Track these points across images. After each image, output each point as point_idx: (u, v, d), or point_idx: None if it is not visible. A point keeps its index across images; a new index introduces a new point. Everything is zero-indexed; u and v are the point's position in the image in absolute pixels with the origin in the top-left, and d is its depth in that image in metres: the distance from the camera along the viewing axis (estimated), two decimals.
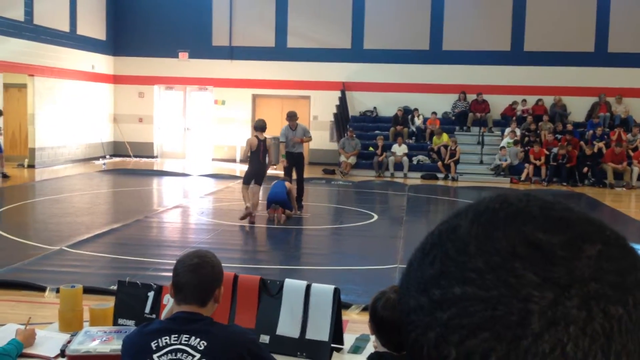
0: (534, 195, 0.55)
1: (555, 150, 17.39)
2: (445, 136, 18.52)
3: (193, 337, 2.32)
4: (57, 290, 5.11)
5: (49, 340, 3.73)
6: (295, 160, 11.57)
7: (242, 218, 10.14)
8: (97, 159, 20.01)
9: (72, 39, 19.15)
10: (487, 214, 0.52)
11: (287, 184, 10.67)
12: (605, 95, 19.27)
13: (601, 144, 17.76)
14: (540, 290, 0.46)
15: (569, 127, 18.47)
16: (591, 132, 18.27)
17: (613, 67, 19.48)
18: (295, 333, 3.76)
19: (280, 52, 20.80)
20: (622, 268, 0.48)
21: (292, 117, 11.64)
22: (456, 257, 0.50)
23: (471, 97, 19.99)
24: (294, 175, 11.58)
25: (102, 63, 21.03)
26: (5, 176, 15.02)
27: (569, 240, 0.49)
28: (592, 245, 0.49)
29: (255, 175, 10.39)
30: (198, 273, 2.39)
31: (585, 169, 17.17)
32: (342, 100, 19.90)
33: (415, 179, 17.73)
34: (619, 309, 0.47)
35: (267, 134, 19.96)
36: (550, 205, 0.52)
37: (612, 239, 0.50)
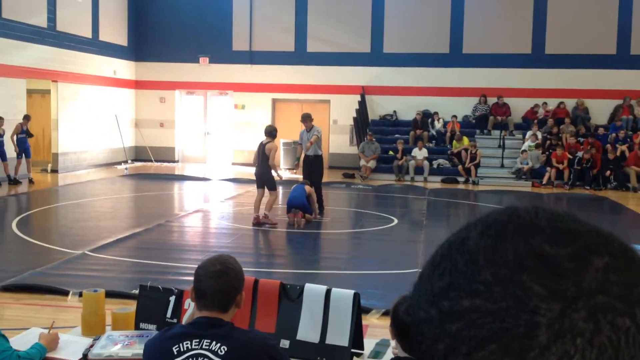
0: (542, 208, 0.55)
1: (580, 154, 17.22)
2: (465, 140, 18.43)
3: (214, 342, 2.33)
4: (80, 294, 5.17)
5: (71, 344, 3.77)
6: (311, 164, 11.46)
7: (253, 224, 10.18)
8: (119, 163, 20.19)
9: (94, 45, 19.37)
10: (495, 226, 0.52)
11: (306, 187, 10.69)
12: (630, 98, 19.06)
13: (624, 147, 17.57)
14: (548, 302, 0.47)
15: (601, 130, 18.23)
16: (614, 135, 18.07)
17: (635, 70, 19.26)
18: (315, 338, 3.76)
19: (300, 56, 20.85)
20: (629, 280, 0.49)
21: (305, 118, 11.61)
22: (465, 269, 0.50)
23: (492, 100, 19.88)
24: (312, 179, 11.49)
25: (124, 68, 21.23)
26: (30, 181, 15.22)
27: (576, 252, 0.49)
28: (599, 258, 0.49)
29: (258, 179, 10.43)
30: (221, 280, 2.39)
31: (608, 172, 16.99)
32: (362, 104, 19.89)
33: (435, 182, 17.67)
34: (626, 321, 0.47)
35: (288, 139, 20.15)
36: (559, 218, 0.53)
37: (619, 251, 0.51)
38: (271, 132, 10.53)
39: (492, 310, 0.47)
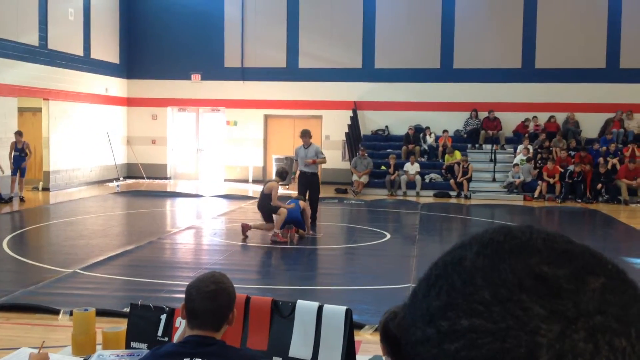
0: (536, 228, 0.55)
1: (571, 168, 17.30)
2: (458, 154, 18.49)
3: None
4: (71, 313, 5.13)
5: None
6: (308, 181, 11.64)
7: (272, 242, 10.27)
8: (111, 181, 20.14)
9: (86, 63, 19.38)
10: (492, 246, 0.53)
11: (301, 202, 10.70)
12: (622, 112, 19.20)
13: (615, 160, 17.66)
14: (548, 322, 0.47)
15: (596, 146, 18.29)
16: (604, 148, 18.17)
17: (625, 83, 19.42)
18: (307, 355, 3.74)
19: (291, 72, 20.92)
20: (624, 301, 0.49)
21: (304, 134, 11.76)
22: (462, 288, 0.50)
23: (483, 114, 19.98)
24: (308, 196, 11.72)
25: (116, 86, 21.25)
26: (21, 199, 15.16)
27: (573, 273, 0.49)
28: (595, 278, 0.50)
29: (261, 212, 10.63)
30: (215, 300, 2.37)
31: (600, 186, 17.06)
32: (354, 119, 19.95)
33: (427, 197, 17.69)
34: (622, 341, 0.47)
35: (280, 154, 20.24)
36: (553, 238, 0.53)
37: (613, 272, 0.51)
38: (281, 174, 10.64)
39: (492, 330, 0.47)
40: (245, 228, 10.56)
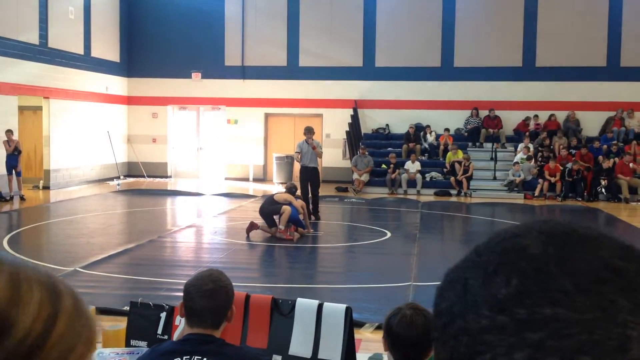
0: (576, 223, 0.55)
1: (569, 165, 17.31)
2: (460, 152, 18.48)
3: (205, 359, 2.31)
4: None
5: None
6: (309, 175, 12.13)
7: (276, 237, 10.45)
8: (111, 179, 20.14)
9: (86, 62, 19.38)
10: (560, 237, 0.52)
11: (297, 203, 10.68)
12: (623, 110, 19.18)
13: (617, 159, 17.65)
14: (634, 315, 0.46)
15: (596, 144, 18.28)
16: (605, 146, 18.17)
17: (626, 82, 19.41)
18: (307, 353, 3.74)
19: (292, 71, 20.91)
20: None
21: (308, 130, 12.33)
22: (535, 276, 0.49)
23: (483, 113, 19.97)
24: (309, 190, 12.16)
25: (116, 84, 21.24)
26: (22, 198, 15.15)
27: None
28: None
29: (263, 215, 10.75)
30: (214, 299, 2.37)
31: (604, 181, 17.01)
32: (355, 118, 19.94)
33: (428, 195, 17.68)
34: None
35: (281, 153, 20.33)
36: (603, 233, 0.54)
37: None
38: (291, 189, 10.88)
39: (578, 320, 0.46)
40: (253, 226, 10.54)
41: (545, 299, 0.48)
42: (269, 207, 10.46)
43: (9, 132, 15.26)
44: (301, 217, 10.61)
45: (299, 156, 12.28)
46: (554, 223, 0.54)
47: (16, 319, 0.61)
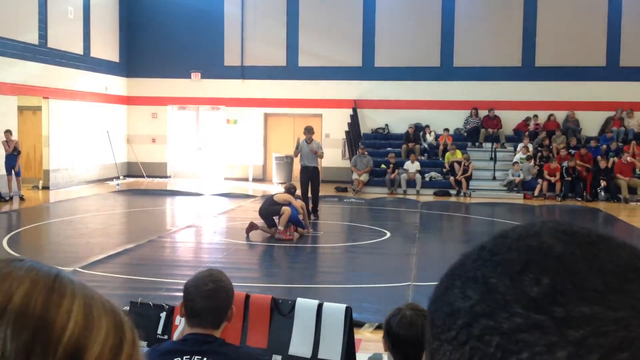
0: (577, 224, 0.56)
1: (565, 163, 17.34)
2: (458, 153, 18.48)
3: (205, 359, 2.31)
4: None
5: None
6: (309, 174, 12.30)
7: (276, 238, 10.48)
8: (111, 179, 20.13)
9: (85, 62, 19.37)
10: (579, 236, 0.53)
11: (297, 203, 10.68)
12: (622, 110, 19.19)
13: (615, 159, 17.66)
14: None
15: (593, 143, 18.31)
16: (605, 146, 18.18)
17: (625, 81, 19.41)
18: (307, 353, 3.74)
19: (291, 71, 20.91)
20: None
21: (308, 130, 12.56)
22: (567, 276, 0.49)
23: (483, 113, 19.97)
24: (310, 188, 12.34)
25: (116, 84, 21.24)
26: (21, 198, 15.14)
27: None
28: None
29: (263, 216, 10.78)
30: (214, 299, 2.37)
31: (604, 182, 17.02)
32: (354, 118, 19.95)
33: (427, 195, 17.69)
34: None
35: (280, 153, 20.34)
36: (610, 235, 0.54)
37: None
38: (289, 189, 10.94)
39: (614, 318, 0.47)
40: (252, 227, 10.54)
41: (581, 298, 0.48)
42: (269, 208, 10.46)
43: (7, 132, 15.23)
44: (301, 217, 10.62)
45: (298, 152, 12.51)
46: (567, 224, 0.55)
47: (87, 345, 0.62)
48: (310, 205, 12.36)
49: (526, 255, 0.52)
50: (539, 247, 0.52)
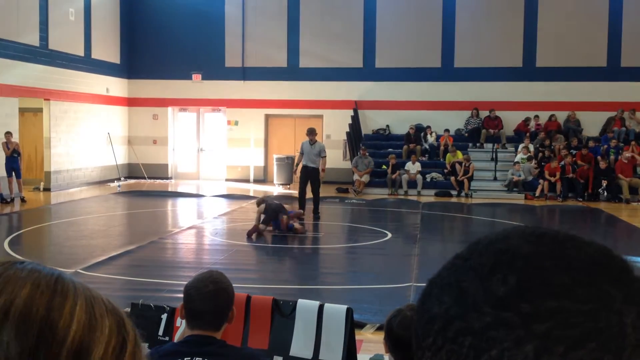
0: (548, 228, 0.59)
1: (562, 163, 17.35)
2: (459, 153, 18.47)
3: None
4: None
5: None
6: (310, 174, 12.53)
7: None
8: (112, 181, 20.14)
9: (87, 63, 19.39)
10: (546, 237, 0.55)
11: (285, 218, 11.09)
12: (623, 110, 19.18)
13: (619, 155, 17.66)
14: (626, 304, 0.50)
15: (591, 143, 18.35)
16: (605, 147, 18.17)
17: (626, 82, 19.40)
18: (308, 354, 3.74)
19: (292, 72, 20.92)
20: None
21: (310, 132, 12.76)
22: (533, 273, 0.51)
23: (484, 113, 19.97)
24: (309, 188, 12.58)
25: (117, 86, 21.25)
26: (22, 200, 15.15)
27: (618, 263, 0.54)
28: (636, 269, 0.54)
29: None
30: (214, 300, 2.37)
31: (605, 182, 17.01)
32: (355, 118, 19.95)
33: (429, 196, 17.68)
34: None
35: (281, 154, 20.32)
36: (578, 235, 0.57)
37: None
38: (260, 202, 11.23)
39: (582, 310, 0.49)
40: (256, 230, 10.69)
41: (548, 293, 0.50)
42: (276, 209, 10.81)
43: (8, 134, 15.22)
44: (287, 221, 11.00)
45: (300, 157, 12.74)
46: (536, 227, 0.57)
47: (91, 345, 0.62)
48: (312, 207, 12.75)
49: (493, 257, 0.54)
50: (507, 249, 0.54)
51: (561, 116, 19.71)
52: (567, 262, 0.52)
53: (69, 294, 0.64)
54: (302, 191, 12.57)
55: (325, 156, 12.81)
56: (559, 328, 0.48)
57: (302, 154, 12.68)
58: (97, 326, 0.63)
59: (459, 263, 0.56)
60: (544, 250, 0.53)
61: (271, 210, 10.76)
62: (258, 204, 11.04)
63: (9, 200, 14.94)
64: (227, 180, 21.21)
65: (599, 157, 17.65)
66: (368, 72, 20.63)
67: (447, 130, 19.59)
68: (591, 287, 0.50)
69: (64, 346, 0.61)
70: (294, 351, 3.78)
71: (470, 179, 17.89)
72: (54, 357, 0.60)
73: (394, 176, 18.11)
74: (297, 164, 13.03)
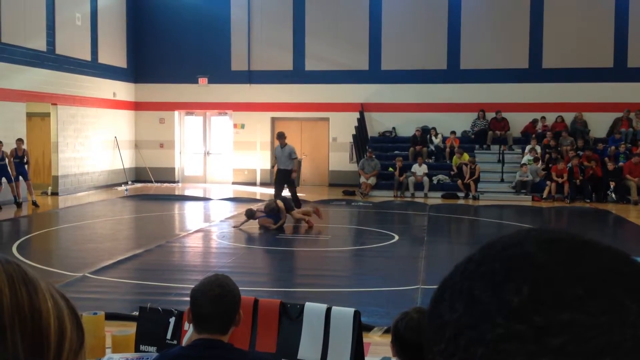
0: (563, 229, 0.57)
1: (569, 165, 17.29)
2: (465, 155, 18.45)
3: None
4: (80, 317, 5.14)
5: None
6: (284, 176, 13.51)
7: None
8: (119, 185, 20.20)
9: (93, 68, 19.46)
10: (561, 243, 0.53)
11: (278, 202, 11.95)
12: (630, 111, 19.11)
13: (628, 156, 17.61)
14: None
15: (599, 145, 18.29)
16: (613, 148, 18.10)
17: (633, 82, 19.33)
18: (316, 357, 3.74)
19: (298, 75, 20.94)
20: None
21: (280, 136, 13.78)
22: (547, 284, 0.50)
23: (490, 115, 19.93)
24: (283, 188, 13.54)
25: (124, 90, 21.32)
26: (34, 204, 15.17)
27: (633, 270, 0.52)
28: None
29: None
30: (221, 304, 2.38)
31: (612, 184, 16.94)
32: (361, 121, 19.94)
33: (435, 198, 17.65)
34: None
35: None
36: (595, 240, 0.55)
37: None
38: (249, 214, 12.06)
39: (596, 324, 0.48)
40: (251, 215, 11.87)
41: (561, 305, 0.49)
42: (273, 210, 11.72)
43: (19, 140, 15.34)
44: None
45: (275, 161, 13.83)
46: (551, 231, 0.55)
47: (65, 325, 0.62)
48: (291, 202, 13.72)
49: (508, 264, 0.53)
50: (522, 256, 0.53)
51: (568, 117, 19.66)
52: (581, 272, 0.50)
53: (33, 279, 0.64)
54: (279, 191, 13.48)
55: (295, 158, 13.67)
56: (572, 342, 0.47)
57: (276, 157, 13.66)
58: (61, 306, 0.63)
59: (472, 268, 0.54)
60: (559, 258, 0.52)
61: (286, 205, 11.86)
62: (249, 217, 11.84)
63: (20, 202, 15.01)
64: (233, 183, 21.24)
65: (606, 159, 17.58)
66: (374, 74, 20.63)
67: (453, 132, 19.56)
68: (605, 299, 0.49)
69: (51, 332, 0.61)
70: (301, 354, 3.78)
71: (477, 180, 17.85)
72: (47, 347, 0.60)
73: (401, 178, 18.10)
74: (273, 167, 14.09)
